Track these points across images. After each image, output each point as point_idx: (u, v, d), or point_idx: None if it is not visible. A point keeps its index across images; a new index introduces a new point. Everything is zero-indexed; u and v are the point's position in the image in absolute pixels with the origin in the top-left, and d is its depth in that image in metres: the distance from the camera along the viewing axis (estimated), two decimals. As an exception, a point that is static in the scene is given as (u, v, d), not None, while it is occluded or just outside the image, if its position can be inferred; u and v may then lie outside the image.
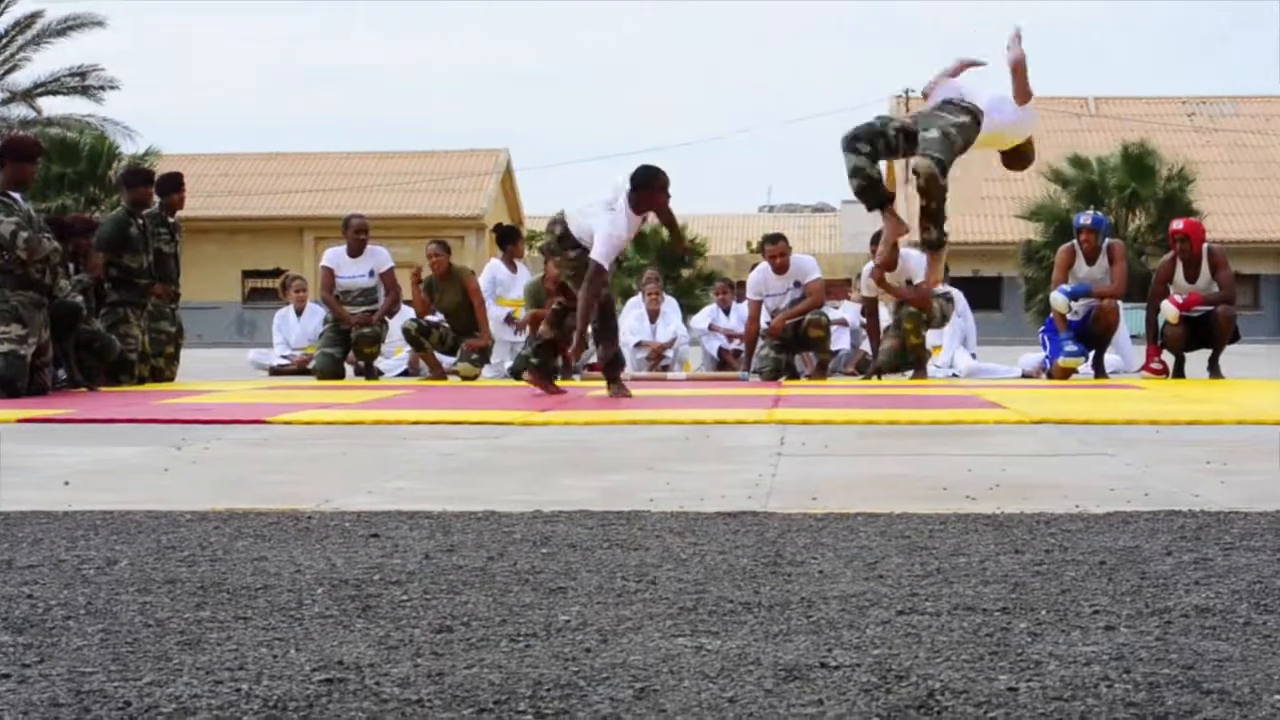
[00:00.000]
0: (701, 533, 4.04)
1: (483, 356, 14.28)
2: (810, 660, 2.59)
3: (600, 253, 10.27)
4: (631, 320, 15.94)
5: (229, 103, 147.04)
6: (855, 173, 11.57)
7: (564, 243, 10.57)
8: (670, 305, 16.50)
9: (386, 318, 14.93)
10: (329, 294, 14.67)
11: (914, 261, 13.56)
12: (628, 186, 10.44)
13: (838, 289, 18.00)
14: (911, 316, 13.45)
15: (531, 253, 37.48)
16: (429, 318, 14.50)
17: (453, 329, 14.41)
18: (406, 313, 15.22)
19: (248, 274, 51.59)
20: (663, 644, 2.73)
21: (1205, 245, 13.35)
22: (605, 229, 10.30)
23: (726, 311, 16.30)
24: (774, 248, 13.91)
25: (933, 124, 11.64)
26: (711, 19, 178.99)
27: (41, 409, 9.21)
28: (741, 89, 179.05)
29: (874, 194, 11.75)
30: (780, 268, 13.82)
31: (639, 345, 15.58)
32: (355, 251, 14.75)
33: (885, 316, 13.88)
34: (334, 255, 14.80)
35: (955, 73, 12.05)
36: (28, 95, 44.83)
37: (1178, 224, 13.73)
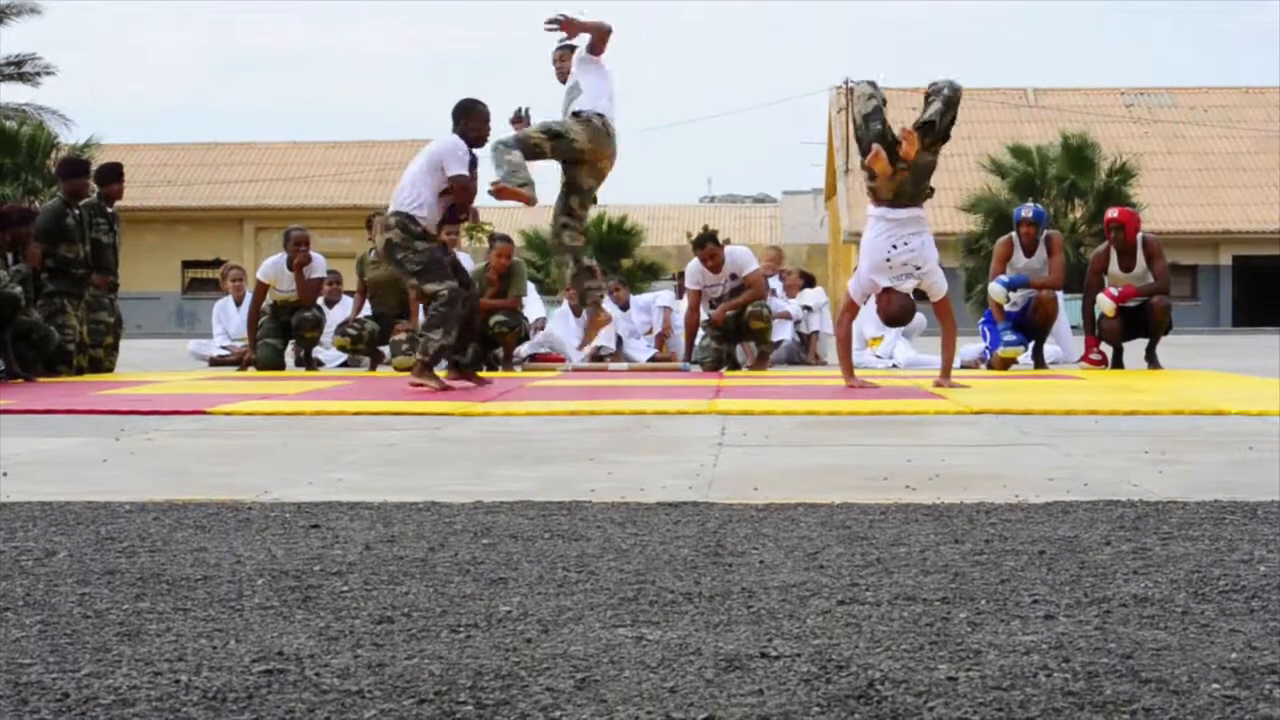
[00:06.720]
0: (642, 523, 4.04)
1: (412, 343, 14.09)
2: (751, 650, 2.59)
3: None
4: (560, 320, 15.75)
5: (169, 92, 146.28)
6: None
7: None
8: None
9: (326, 306, 14.85)
10: (256, 309, 14.44)
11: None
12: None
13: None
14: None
15: (473, 242, 37.51)
16: (353, 318, 14.34)
17: (378, 307, 14.25)
18: (348, 307, 15.14)
19: (187, 264, 51.27)
20: (603, 634, 2.73)
21: (1140, 234, 13.37)
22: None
23: (624, 308, 16.22)
24: (702, 251, 13.75)
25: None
26: (651, 9, 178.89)
27: (-22, 400, 9.13)
28: (682, 79, 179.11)
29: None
30: (714, 268, 13.78)
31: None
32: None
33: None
34: (273, 269, 14.49)
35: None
36: (-35, 85, 44.49)
37: (1113, 212, 13.73)
